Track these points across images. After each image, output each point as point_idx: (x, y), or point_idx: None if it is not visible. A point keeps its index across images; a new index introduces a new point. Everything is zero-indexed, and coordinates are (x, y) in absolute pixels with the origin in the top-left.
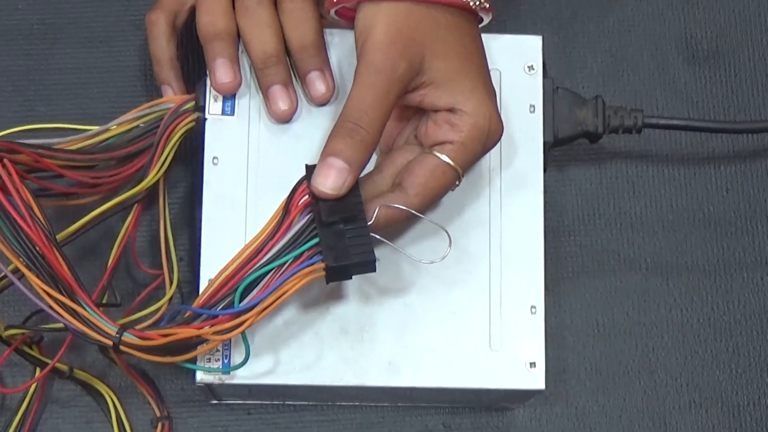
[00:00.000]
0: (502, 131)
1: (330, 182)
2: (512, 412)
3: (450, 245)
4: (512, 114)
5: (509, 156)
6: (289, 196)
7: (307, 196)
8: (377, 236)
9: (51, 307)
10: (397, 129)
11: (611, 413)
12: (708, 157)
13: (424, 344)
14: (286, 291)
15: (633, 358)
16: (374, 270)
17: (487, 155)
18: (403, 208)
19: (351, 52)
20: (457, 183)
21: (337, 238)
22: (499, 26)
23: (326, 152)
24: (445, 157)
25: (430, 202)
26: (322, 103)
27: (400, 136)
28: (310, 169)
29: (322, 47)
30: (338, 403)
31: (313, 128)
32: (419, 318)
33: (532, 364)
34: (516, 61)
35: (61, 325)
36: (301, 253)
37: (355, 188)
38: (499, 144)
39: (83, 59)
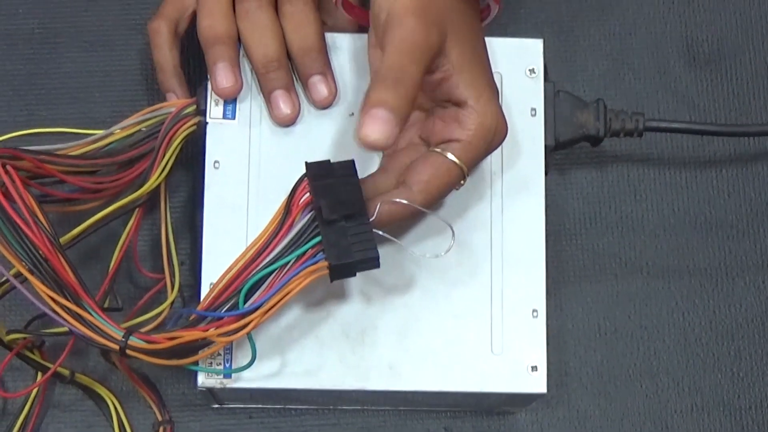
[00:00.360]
0: (507, 131)
1: (377, 131)
2: (514, 415)
3: (453, 238)
4: (514, 117)
5: (511, 159)
6: (289, 195)
7: (307, 195)
8: (381, 233)
9: (56, 312)
10: (402, 130)
11: (613, 417)
12: (709, 160)
13: (425, 348)
14: (290, 291)
15: (635, 361)
16: (378, 266)
17: (489, 158)
18: (405, 202)
19: (352, 56)
20: (461, 182)
21: (339, 236)
22: (500, 29)
23: (370, 103)
24: (450, 155)
25: (434, 200)
26: (324, 107)
27: (403, 137)
28: (309, 167)
29: (323, 50)
30: (340, 407)
31: (315, 131)
32: (420, 321)
33: (534, 368)
34: (517, 64)
35: (62, 329)
36: (304, 252)
37: (355, 185)
38: (500, 147)
39: (84, 63)
